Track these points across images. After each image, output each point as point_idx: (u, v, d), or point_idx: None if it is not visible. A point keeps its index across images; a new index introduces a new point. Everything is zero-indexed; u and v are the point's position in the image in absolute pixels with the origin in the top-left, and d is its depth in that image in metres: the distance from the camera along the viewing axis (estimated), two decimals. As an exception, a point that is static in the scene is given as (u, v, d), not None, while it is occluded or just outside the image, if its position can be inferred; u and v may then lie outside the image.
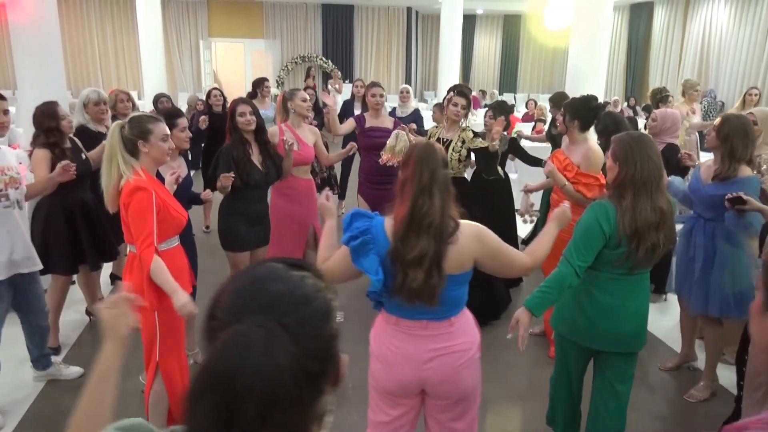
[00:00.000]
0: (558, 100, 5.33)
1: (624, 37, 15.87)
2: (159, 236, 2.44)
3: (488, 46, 18.74)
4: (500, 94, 14.88)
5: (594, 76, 6.80)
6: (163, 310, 2.47)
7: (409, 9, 17.22)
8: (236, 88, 17.74)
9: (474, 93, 15.46)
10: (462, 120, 4.19)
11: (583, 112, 3.55)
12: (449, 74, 12.77)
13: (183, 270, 2.67)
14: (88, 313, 4.23)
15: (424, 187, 1.90)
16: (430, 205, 1.89)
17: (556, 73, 18.06)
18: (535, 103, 10.92)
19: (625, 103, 13.51)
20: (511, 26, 18.46)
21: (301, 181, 4.18)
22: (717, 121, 3.20)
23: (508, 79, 18.72)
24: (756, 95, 6.09)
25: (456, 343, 1.99)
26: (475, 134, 4.14)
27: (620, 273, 2.36)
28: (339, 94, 13.01)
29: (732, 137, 2.98)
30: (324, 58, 16.65)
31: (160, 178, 2.75)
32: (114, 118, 4.54)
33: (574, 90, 6.88)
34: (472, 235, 1.96)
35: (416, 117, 6.22)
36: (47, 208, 3.60)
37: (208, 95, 6.57)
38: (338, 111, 7.04)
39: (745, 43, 12.01)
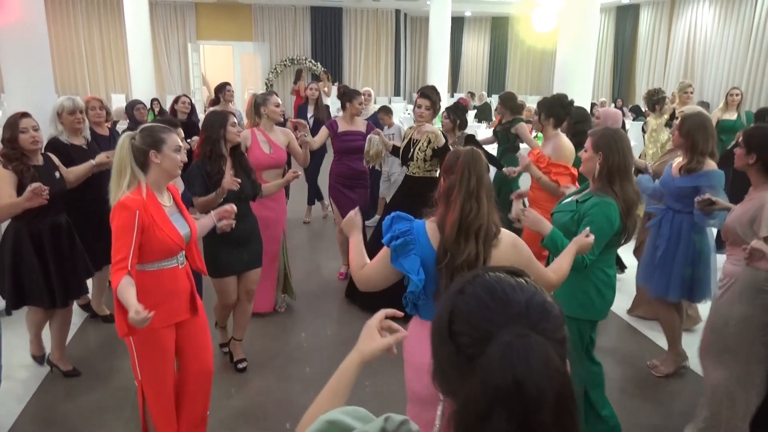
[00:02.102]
0: (506, 99, 5.89)
1: (611, 38, 16.00)
2: (142, 257, 2.32)
3: (477, 48, 18.82)
4: (489, 95, 14.93)
5: (581, 77, 6.88)
6: (134, 334, 2.34)
7: (397, 11, 17.26)
8: (225, 90, 17.69)
9: (462, 95, 15.53)
10: (432, 121, 4.30)
11: (557, 110, 3.84)
12: (438, 76, 12.79)
13: (176, 294, 2.47)
14: (49, 362, 3.62)
15: (471, 192, 1.96)
16: (478, 209, 1.94)
17: (544, 74, 18.17)
18: (524, 105, 10.98)
19: (612, 105, 13.63)
20: (499, 28, 18.55)
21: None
22: (678, 120, 3.43)
23: (497, 80, 18.80)
24: (737, 95, 6.26)
25: None
26: (442, 134, 4.23)
27: (615, 248, 2.72)
28: (327, 97, 13.01)
29: (693, 133, 3.23)
30: (313, 61, 16.64)
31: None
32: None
33: (563, 91, 6.93)
34: (510, 242, 2.02)
35: (376, 119, 6.31)
36: (14, 234, 3.22)
37: (176, 101, 6.20)
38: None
39: (729, 44, 12.16)
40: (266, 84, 16.35)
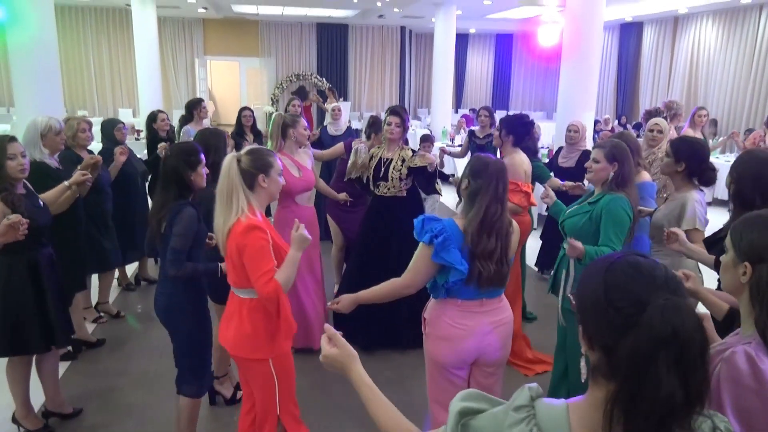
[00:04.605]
0: (492, 111, 6.34)
1: (614, 55, 16.08)
2: None
3: (481, 64, 18.95)
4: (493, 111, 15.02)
5: (585, 94, 6.92)
6: (277, 357, 2.36)
7: (402, 28, 17.43)
8: (231, 105, 17.88)
9: (466, 111, 15.61)
10: (402, 138, 4.22)
11: (517, 128, 4.02)
12: (442, 92, 12.89)
13: (290, 318, 2.45)
14: (48, 413, 3.25)
15: (498, 197, 2.33)
16: (502, 211, 2.33)
17: (547, 91, 18.26)
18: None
19: (616, 121, 13.67)
20: (503, 45, 18.70)
21: (304, 210, 4.01)
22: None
23: (501, 96, 18.90)
24: (704, 116, 6.43)
25: (505, 316, 2.45)
26: (414, 153, 4.18)
27: None
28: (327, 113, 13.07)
29: None
30: (318, 76, 16.79)
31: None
32: (68, 149, 4.03)
33: (566, 108, 6.99)
34: (516, 229, 2.47)
35: (351, 134, 6.13)
36: (8, 267, 2.87)
37: (154, 118, 5.58)
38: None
39: (732, 62, 12.21)
40: (272, 99, 16.48)
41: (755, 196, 2.30)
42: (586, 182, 3.65)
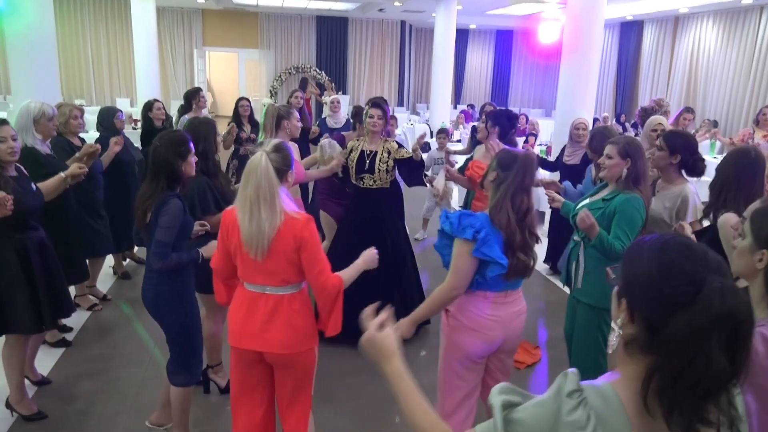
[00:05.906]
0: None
1: (614, 54, 16.08)
2: (303, 275, 2.31)
3: (480, 60, 18.93)
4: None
5: (584, 91, 6.91)
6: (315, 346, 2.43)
7: (402, 22, 17.38)
8: (229, 97, 17.84)
9: (464, 107, 15.59)
10: (384, 130, 4.18)
11: (503, 120, 4.09)
12: (442, 87, 12.86)
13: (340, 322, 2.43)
14: (8, 406, 3.15)
15: (526, 187, 2.39)
16: (529, 200, 2.39)
17: (547, 88, 18.25)
18: (527, 118, 11.03)
19: (614, 119, 13.68)
20: (503, 41, 18.67)
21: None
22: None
23: (500, 93, 18.89)
24: (689, 119, 6.53)
25: (524, 306, 2.56)
26: (399, 145, 4.18)
27: None
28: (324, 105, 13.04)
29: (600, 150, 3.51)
30: (318, 69, 16.75)
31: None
32: (59, 136, 4.03)
33: (566, 105, 6.99)
34: None
35: (350, 128, 6.06)
36: None
37: (150, 107, 5.54)
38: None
39: (732, 62, 12.22)
40: (270, 91, 16.44)
41: (720, 179, 2.55)
42: (600, 177, 3.66)
